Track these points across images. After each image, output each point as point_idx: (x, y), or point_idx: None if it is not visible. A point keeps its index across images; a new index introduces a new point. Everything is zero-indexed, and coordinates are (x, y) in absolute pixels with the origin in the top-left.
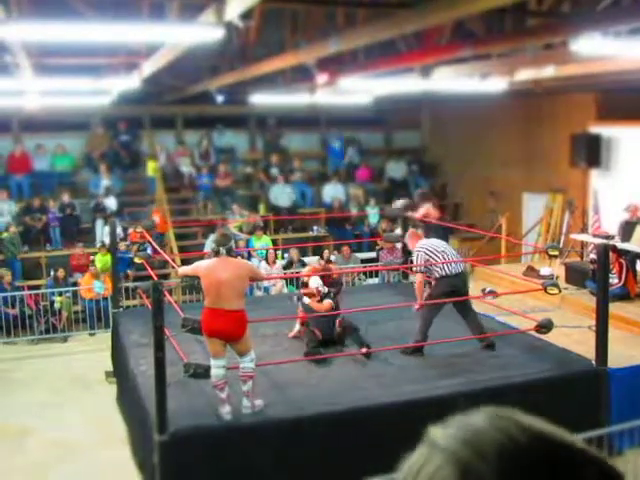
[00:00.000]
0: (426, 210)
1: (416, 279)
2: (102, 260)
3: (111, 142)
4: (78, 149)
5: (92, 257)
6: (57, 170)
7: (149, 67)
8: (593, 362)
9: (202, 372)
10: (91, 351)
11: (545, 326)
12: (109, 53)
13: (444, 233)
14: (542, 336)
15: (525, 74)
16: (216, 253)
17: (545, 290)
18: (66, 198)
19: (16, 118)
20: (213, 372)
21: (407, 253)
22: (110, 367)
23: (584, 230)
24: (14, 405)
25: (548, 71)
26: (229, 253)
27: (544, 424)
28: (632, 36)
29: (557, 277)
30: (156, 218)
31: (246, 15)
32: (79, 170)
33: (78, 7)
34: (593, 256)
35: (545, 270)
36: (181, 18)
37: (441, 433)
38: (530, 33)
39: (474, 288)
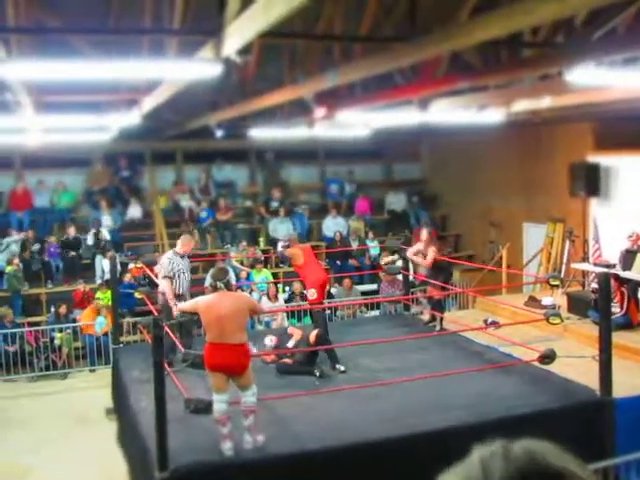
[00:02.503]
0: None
1: None
2: (103, 297)
3: (112, 178)
4: (79, 185)
5: (95, 294)
6: (58, 206)
7: (149, 103)
8: (597, 392)
9: (203, 407)
10: (91, 388)
11: (548, 356)
12: (109, 90)
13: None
14: (545, 366)
15: (522, 105)
16: (214, 288)
17: (547, 320)
18: (72, 232)
19: (18, 155)
20: (216, 407)
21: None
22: (111, 404)
23: (585, 259)
24: (13, 444)
25: (545, 102)
26: (227, 287)
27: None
28: (626, 66)
29: (559, 307)
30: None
31: (244, 50)
32: (79, 206)
33: (79, 45)
34: (595, 285)
35: (547, 300)
36: (180, 54)
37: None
38: (526, 64)
39: (476, 319)
